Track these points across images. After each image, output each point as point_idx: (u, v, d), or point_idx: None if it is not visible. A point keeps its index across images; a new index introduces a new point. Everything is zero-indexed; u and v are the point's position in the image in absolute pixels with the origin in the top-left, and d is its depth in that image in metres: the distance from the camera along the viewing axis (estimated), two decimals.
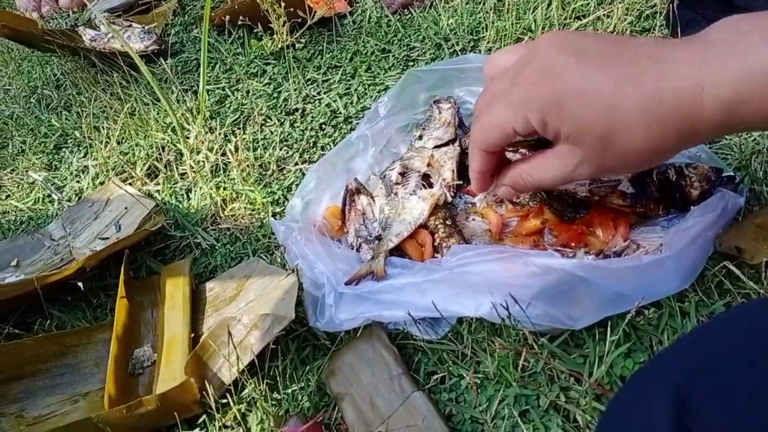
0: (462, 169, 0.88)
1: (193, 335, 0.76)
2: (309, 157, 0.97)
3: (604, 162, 0.49)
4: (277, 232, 0.79)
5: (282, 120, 1.03)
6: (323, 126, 1.01)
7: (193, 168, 0.96)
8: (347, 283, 0.71)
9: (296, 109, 1.04)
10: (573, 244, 0.75)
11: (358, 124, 0.94)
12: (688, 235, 0.63)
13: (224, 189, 0.93)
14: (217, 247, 0.87)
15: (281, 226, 0.78)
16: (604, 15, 1.05)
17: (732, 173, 0.76)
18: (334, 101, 1.04)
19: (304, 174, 0.93)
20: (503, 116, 0.51)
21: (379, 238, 0.79)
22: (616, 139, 0.46)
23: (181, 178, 0.97)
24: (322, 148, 0.98)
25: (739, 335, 0.37)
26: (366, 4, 1.21)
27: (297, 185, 0.89)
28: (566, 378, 0.63)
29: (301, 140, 0.99)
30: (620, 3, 1.04)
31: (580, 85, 0.46)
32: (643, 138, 0.46)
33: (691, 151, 0.80)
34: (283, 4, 1.08)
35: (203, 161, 0.97)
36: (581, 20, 1.06)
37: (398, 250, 0.78)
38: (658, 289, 0.63)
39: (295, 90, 1.07)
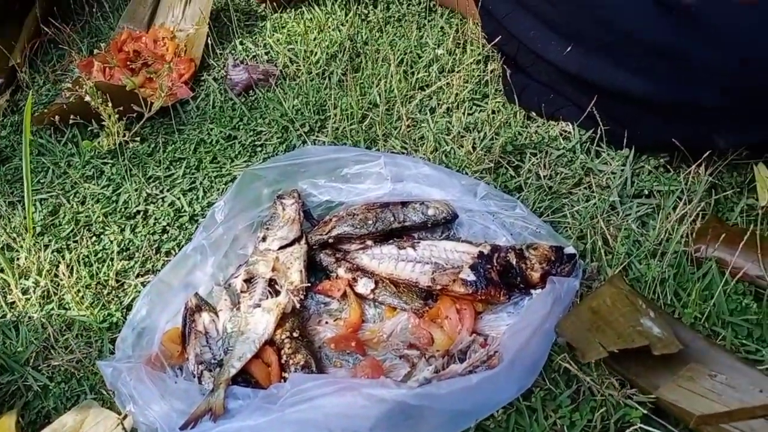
0: (311, 267, 0.85)
1: None
2: (152, 266, 0.91)
3: None
4: (104, 375, 0.72)
5: (122, 226, 0.96)
6: (167, 228, 0.95)
7: (20, 297, 0.87)
8: (182, 428, 0.65)
9: (138, 212, 0.98)
10: (422, 342, 0.73)
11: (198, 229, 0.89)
12: (520, 338, 0.62)
13: (56, 317, 0.85)
14: (50, 387, 0.79)
15: (108, 369, 0.71)
16: (445, 84, 1.05)
17: (572, 250, 0.76)
18: (178, 199, 0.98)
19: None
20: None
21: (221, 363, 0.74)
22: None
23: (10, 309, 0.88)
24: (167, 254, 0.92)
25: None
26: (209, 87, 1.16)
27: (132, 310, 0.82)
28: None
29: (143, 247, 0.92)
30: (459, 73, 1.05)
31: None
32: None
33: (531, 226, 0.80)
34: (111, 103, 1.02)
35: (32, 288, 0.89)
36: (424, 90, 1.06)
37: (244, 373, 0.73)
38: (499, 397, 0.62)
39: (135, 191, 1.00)
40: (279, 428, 0.61)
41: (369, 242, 0.83)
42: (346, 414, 0.59)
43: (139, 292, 0.87)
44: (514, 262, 0.76)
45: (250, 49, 1.23)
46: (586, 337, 0.63)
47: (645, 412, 0.63)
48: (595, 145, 0.93)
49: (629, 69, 0.84)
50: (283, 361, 0.73)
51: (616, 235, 0.81)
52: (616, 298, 0.66)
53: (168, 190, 1.00)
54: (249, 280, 0.81)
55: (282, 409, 0.60)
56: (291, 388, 0.63)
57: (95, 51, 1.29)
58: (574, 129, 0.95)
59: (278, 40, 1.23)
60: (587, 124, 0.94)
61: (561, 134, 0.95)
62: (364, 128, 1.01)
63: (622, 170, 0.89)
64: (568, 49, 0.91)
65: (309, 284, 0.82)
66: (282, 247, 0.84)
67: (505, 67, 1.00)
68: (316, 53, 1.18)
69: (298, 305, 0.79)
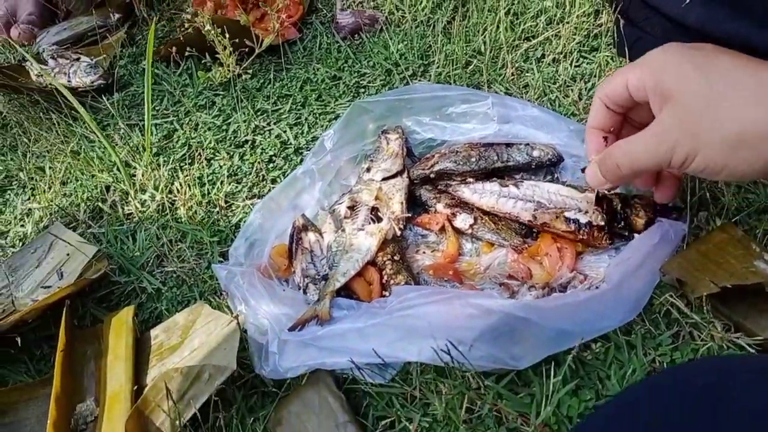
0: (411, 202, 0.87)
1: (136, 387, 0.73)
2: (258, 192, 0.95)
3: (699, 146, 0.51)
4: (219, 277, 0.77)
5: (231, 153, 1.01)
6: (273, 158, 0.99)
7: (138, 209, 0.94)
8: (291, 329, 0.69)
9: (246, 141, 1.02)
10: (521, 276, 0.75)
11: (308, 155, 0.93)
12: (627, 267, 0.63)
13: (170, 229, 0.91)
14: (163, 291, 0.85)
15: (223, 271, 0.76)
16: (552, 35, 1.04)
17: (679, 203, 0.75)
18: (284, 132, 1.02)
19: (252, 210, 0.91)
20: (626, 69, 0.60)
21: (326, 277, 0.77)
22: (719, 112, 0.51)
23: (127, 219, 0.94)
24: (272, 182, 0.96)
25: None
26: (316, 29, 1.20)
27: (245, 222, 0.87)
28: (514, 419, 0.62)
29: (250, 174, 0.97)
30: (567, 24, 1.04)
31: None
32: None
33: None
34: (227, 35, 1.07)
35: (149, 201, 0.95)
36: (530, 41, 1.05)
37: (346, 289, 0.77)
38: (601, 323, 0.62)
39: (244, 122, 1.05)
40: (384, 332, 0.64)
41: (470, 179, 0.85)
42: (451, 323, 0.61)
43: (246, 213, 0.92)
44: (618, 208, 0.76)
45: None
46: (695, 276, 0.63)
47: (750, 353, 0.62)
48: None
49: (754, 20, 0.81)
50: (384, 281, 0.76)
51: (724, 190, 0.80)
52: (728, 242, 0.65)
53: (275, 123, 1.04)
54: (352, 207, 0.84)
55: (389, 313, 0.63)
56: (396, 298, 0.66)
57: None
58: None
59: None
60: None
61: None
62: (467, 73, 1.02)
63: None
64: (687, 1, 0.89)
65: (409, 215, 0.84)
66: (385, 179, 0.86)
67: (618, 17, 0.98)
68: (422, 1, 1.19)
69: (398, 233, 0.81)
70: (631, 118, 0.67)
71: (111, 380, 0.75)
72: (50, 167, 1.05)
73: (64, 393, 0.74)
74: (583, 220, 0.75)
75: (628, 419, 0.41)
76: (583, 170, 0.69)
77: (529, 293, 0.67)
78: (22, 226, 0.98)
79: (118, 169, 0.99)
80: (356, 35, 1.16)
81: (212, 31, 1.06)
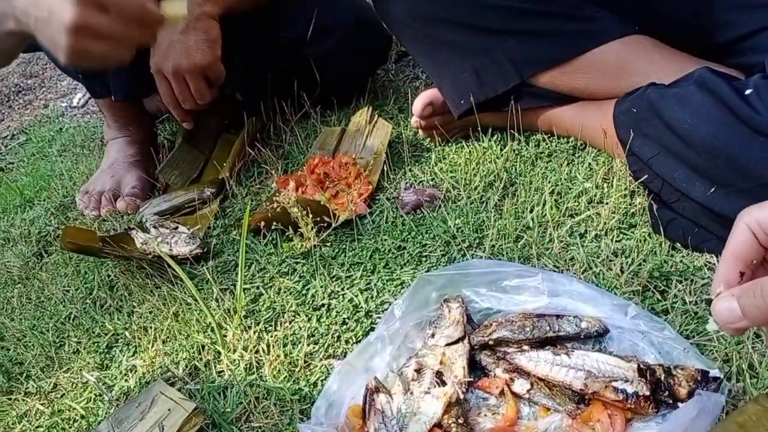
0: (471, 366, 0.97)
1: None
2: (333, 351, 1.07)
3: None
4: None
5: (309, 316, 1.14)
6: (346, 321, 1.12)
7: (228, 367, 1.07)
8: None
9: (323, 305, 1.16)
10: None
11: (378, 317, 1.05)
12: None
13: (257, 387, 1.02)
14: None
15: (307, 431, 0.86)
16: (594, 214, 1.18)
17: (718, 373, 0.83)
18: (356, 296, 1.16)
19: (328, 369, 1.03)
20: None
21: None
22: None
23: (219, 376, 1.07)
24: (346, 342, 1.08)
25: None
26: (383, 205, 1.37)
27: (322, 380, 0.98)
28: None
29: (327, 335, 1.10)
30: (606, 204, 1.18)
31: None
32: None
33: (679, 347, 0.88)
34: (310, 214, 1.25)
35: (238, 360, 1.08)
36: (574, 218, 1.19)
37: None
38: None
39: (321, 287, 1.19)
40: None
41: (525, 347, 0.95)
42: None
43: (323, 372, 1.03)
44: (662, 378, 0.84)
45: (418, 175, 1.45)
46: None
47: None
48: None
49: None
50: None
51: (761, 361, 0.87)
52: (762, 414, 0.72)
53: (348, 288, 1.18)
54: (419, 370, 0.95)
55: None
56: None
57: (289, 171, 1.57)
58: (718, 261, 1.03)
59: (441, 168, 1.44)
60: None
61: (706, 264, 1.04)
62: (518, 247, 1.16)
63: None
64: (712, 190, 1.02)
65: (471, 379, 0.94)
66: (448, 344, 0.98)
67: (651, 201, 1.11)
68: (475, 181, 1.36)
69: (462, 396, 0.91)
70: None
71: None
72: (153, 327, 1.20)
73: None
74: (630, 390, 0.83)
75: None
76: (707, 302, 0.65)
77: None
78: (126, 381, 1.12)
79: (212, 330, 1.13)
80: (418, 210, 1.33)
81: (297, 211, 1.24)
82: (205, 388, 1.05)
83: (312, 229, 1.28)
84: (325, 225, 1.30)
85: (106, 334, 1.23)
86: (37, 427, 1.07)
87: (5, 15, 0.85)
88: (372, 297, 1.16)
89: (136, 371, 1.12)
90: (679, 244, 1.08)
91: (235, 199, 1.57)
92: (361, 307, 1.14)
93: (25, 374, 1.16)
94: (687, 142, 1.04)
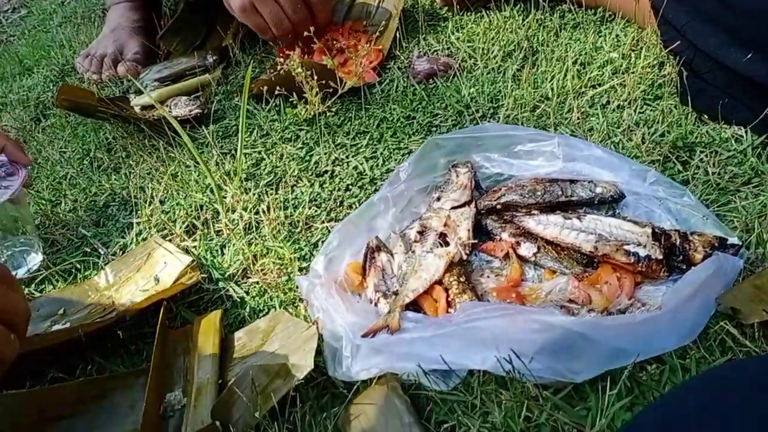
0: (477, 230, 0.93)
1: (221, 381, 0.81)
2: (335, 216, 1.03)
3: None
4: (300, 287, 0.85)
5: (312, 181, 1.10)
6: (350, 187, 1.08)
7: (227, 226, 1.04)
8: (364, 336, 0.76)
9: (326, 171, 1.12)
10: (581, 301, 0.79)
11: (382, 185, 1.01)
12: (682, 294, 0.67)
13: (255, 245, 1.00)
14: (246, 300, 0.93)
15: (305, 282, 0.84)
16: (618, 84, 1.11)
17: (736, 241, 0.79)
18: (361, 164, 1.11)
19: (330, 232, 0.99)
20: None
21: (396, 293, 0.84)
22: None
23: (217, 235, 1.04)
24: (349, 207, 1.04)
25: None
26: (393, 74, 1.30)
27: (323, 242, 0.95)
28: (569, 430, 0.66)
29: (329, 200, 1.06)
30: (633, 74, 1.10)
31: None
32: None
33: (698, 214, 0.84)
34: (315, 77, 1.18)
35: (237, 220, 1.05)
36: (596, 89, 1.12)
37: (414, 305, 0.83)
38: (656, 344, 0.66)
39: (325, 154, 1.14)
40: (449, 342, 0.69)
41: (535, 212, 0.90)
42: (514, 336, 0.66)
43: (324, 234, 1.00)
44: (677, 243, 0.80)
45: (432, 45, 1.36)
46: (749, 306, 0.66)
47: None
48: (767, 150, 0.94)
49: None
50: (449, 299, 0.82)
51: None
52: None
53: (353, 156, 1.13)
54: (422, 232, 0.91)
55: (455, 325, 0.69)
56: (462, 313, 0.72)
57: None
58: (746, 133, 0.96)
59: (459, 38, 1.35)
60: (761, 129, 0.95)
61: (733, 136, 0.97)
62: (535, 116, 1.09)
63: None
64: (748, 56, 0.94)
65: (475, 241, 0.90)
66: (453, 208, 0.93)
67: (682, 68, 1.03)
68: (493, 50, 1.28)
69: (465, 257, 0.88)
70: None
71: (199, 374, 0.83)
72: (150, 187, 1.16)
73: (157, 383, 0.82)
74: (643, 253, 0.79)
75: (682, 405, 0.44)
76: None
77: (588, 315, 0.72)
78: (122, 237, 1.10)
79: (211, 191, 1.10)
80: (430, 80, 1.26)
81: (302, 73, 1.17)
82: (202, 245, 1.02)
83: (317, 94, 1.21)
84: (331, 91, 1.23)
85: (102, 193, 1.20)
86: (33, 278, 1.06)
87: None
88: (377, 165, 1.11)
89: (132, 229, 1.10)
90: (705, 116, 1.01)
91: (238, 66, 1.50)
92: (366, 174, 1.09)
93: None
94: (725, 2, 0.95)
